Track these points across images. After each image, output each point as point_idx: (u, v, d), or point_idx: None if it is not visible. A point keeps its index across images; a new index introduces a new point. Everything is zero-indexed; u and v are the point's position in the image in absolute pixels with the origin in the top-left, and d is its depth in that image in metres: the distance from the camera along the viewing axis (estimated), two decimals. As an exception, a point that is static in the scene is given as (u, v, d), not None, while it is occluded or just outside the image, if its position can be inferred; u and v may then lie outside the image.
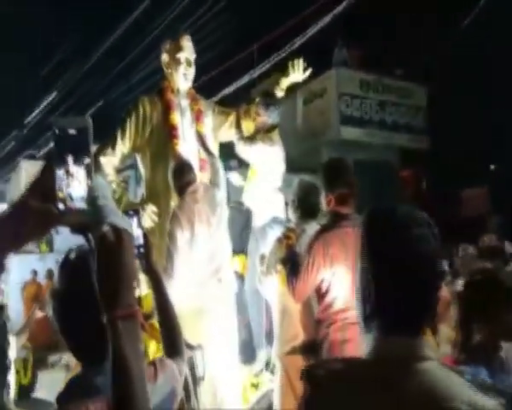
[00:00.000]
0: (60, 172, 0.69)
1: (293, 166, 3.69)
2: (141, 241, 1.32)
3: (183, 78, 3.28)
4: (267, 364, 3.43)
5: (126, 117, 3.24)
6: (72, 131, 0.70)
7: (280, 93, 3.46)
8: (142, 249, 1.32)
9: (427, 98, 9.36)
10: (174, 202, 3.05)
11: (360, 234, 0.93)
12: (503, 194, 8.02)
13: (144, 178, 3.37)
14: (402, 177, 9.69)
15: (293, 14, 8.21)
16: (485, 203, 8.92)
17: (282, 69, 3.66)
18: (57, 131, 0.70)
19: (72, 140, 0.70)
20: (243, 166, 3.80)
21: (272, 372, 3.17)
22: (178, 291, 2.79)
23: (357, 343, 2.14)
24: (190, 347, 2.69)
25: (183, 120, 3.30)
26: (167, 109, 3.28)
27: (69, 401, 1.04)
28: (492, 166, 9.79)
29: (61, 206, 0.70)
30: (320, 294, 2.27)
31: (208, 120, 3.44)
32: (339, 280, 2.23)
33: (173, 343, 1.30)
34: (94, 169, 0.72)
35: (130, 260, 0.68)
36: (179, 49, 3.26)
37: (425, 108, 9.40)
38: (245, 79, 9.29)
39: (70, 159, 0.69)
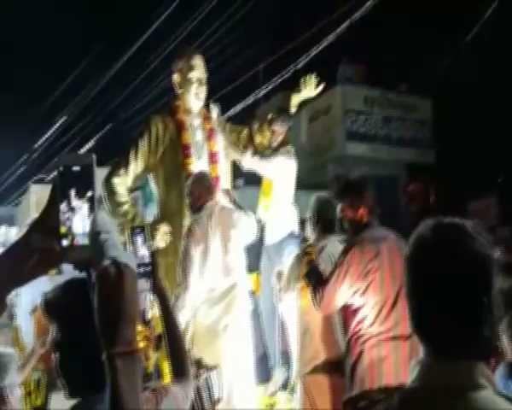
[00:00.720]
0: (63, 208, 0.70)
1: (299, 183, 3.69)
2: (147, 259, 1.30)
3: (194, 97, 3.30)
4: (285, 384, 3.37)
5: (139, 137, 3.25)
6: (75, 168, 0.71)
7: (292, 109, 3.48)
8: (148, 268, 1.30)
9: (432, 112, 9.39)
10: (187, 220, 3.05)
11: (406, 252, 0.87)
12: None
13: (157, 197, 3.38)
14: (409, 191, 9.64)
15: (297, 34, 8.33)
16: (493, 215, 8.85)
17: (287, 88, 3.69)
18: (61, 169, 0.71)
19: (75, 176, 0.71)
20: (248, 184, 3.79)
21: (292, 392, 3.10)
22: (193, 307, 2.77)
23: (392, 361, 2.11)
24: (206, 367, 2.65)
25: (195, 140, 3.32)
26: (179, 129, 3.29)
27: None
28: (500, 178, 9.73)
29: (64, 242, 0.69)
30: (353, 308, 2.23)
31: (220, 139, 3.46)
32: (373, 292, 2.20)
33: (179, 365, 1.28)
34: (97, 205, 0.73)
35: (131, 295, 0.66)
36: (191, 68, 3.28)
37: (430, 122, 9.42)
38: (249, 100, 9.39)
39: (73, 195, 0.70)
